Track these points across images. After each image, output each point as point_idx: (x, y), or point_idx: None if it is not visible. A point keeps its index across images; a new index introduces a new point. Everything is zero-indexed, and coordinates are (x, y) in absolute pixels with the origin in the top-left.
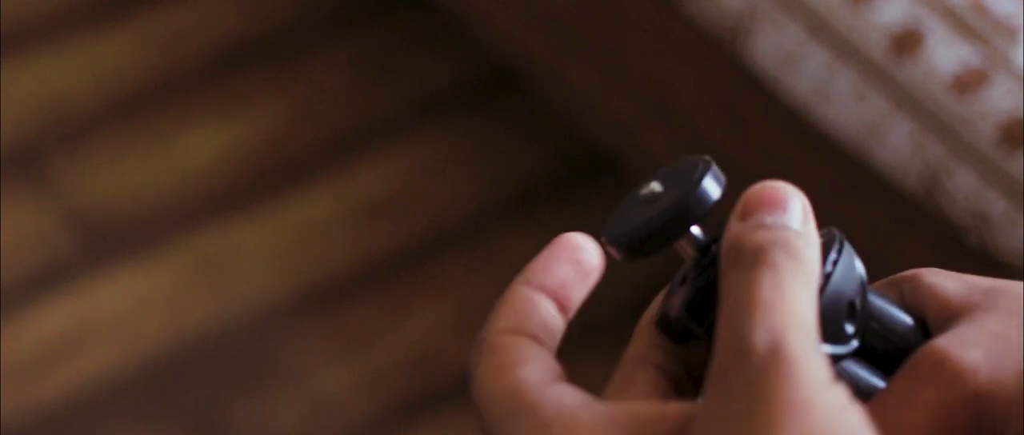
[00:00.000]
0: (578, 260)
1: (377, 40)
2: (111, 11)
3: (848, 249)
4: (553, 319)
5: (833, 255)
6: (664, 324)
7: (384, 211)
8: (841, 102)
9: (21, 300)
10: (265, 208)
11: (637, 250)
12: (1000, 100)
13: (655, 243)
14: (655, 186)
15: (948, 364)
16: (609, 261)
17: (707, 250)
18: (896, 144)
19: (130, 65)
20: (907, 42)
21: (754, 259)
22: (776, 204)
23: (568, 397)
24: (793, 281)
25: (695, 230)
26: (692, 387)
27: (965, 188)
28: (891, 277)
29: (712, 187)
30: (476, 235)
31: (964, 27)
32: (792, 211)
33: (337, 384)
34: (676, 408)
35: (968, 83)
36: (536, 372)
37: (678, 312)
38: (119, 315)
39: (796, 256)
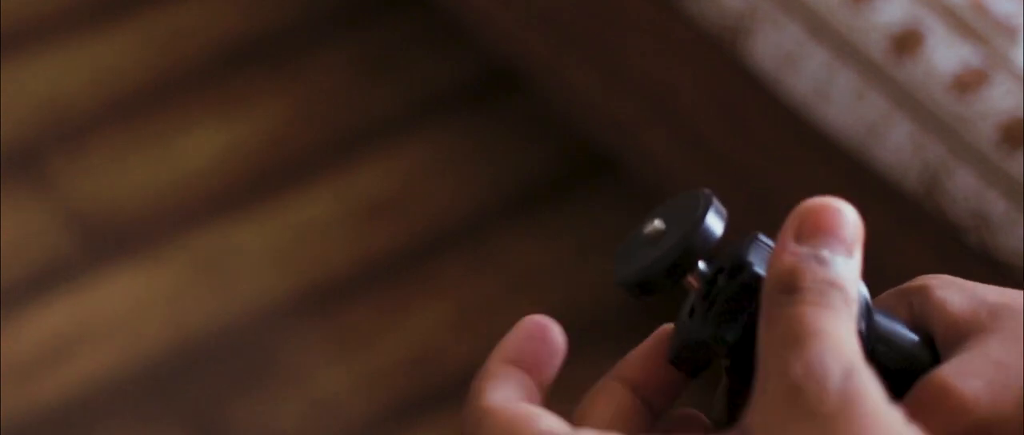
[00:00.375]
0: (546, 339)
1: (377, 40)
2: (111, 11)
3: None
4: (534, 393)
5: None
6: (677, 358)
7: (384, 211)
8: (841, 102)
9: (21, 300)
10: (265, 208)
11: (645, 290)
12: (1000, 100)
13: (662, 283)
14: (658, 224)
15: (951, 395)
16: (609, 259)
17: (713, 281)
18: (896, 144)
19: (130, 65)
20: (907, 42)
21: (815, 298)
22: (833, 232)
23: None
24: (849, 321)
25: (700, 264)
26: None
27: (965, 188)
28: (902, 287)
29: (715, 224)
30: (476, 235)
31: (964, 27)
32: (847, 240)
33: (337, 384)
34: None
35: (968, 83)
36: (556, 423)
37: (707, 334)
38: (119, 315)
39: (849, 301)
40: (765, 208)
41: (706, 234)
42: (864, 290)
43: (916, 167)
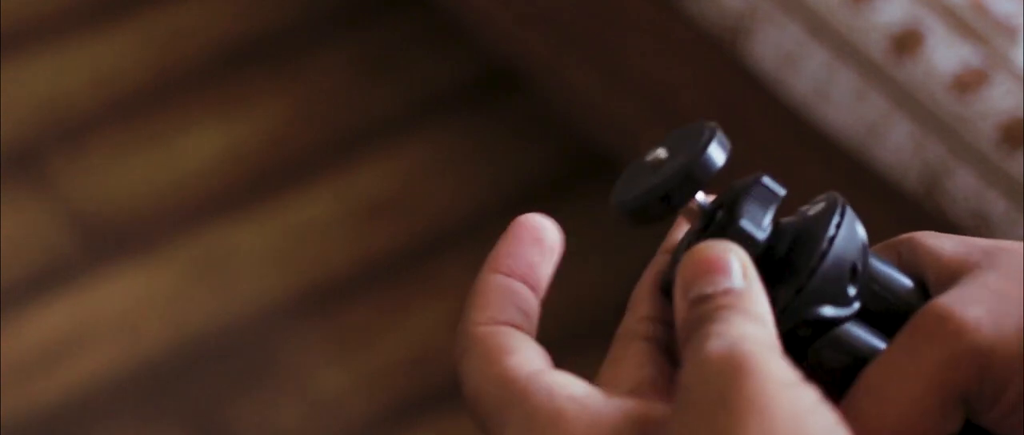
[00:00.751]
0: (540, 239)
1: (377, 40)
2: (111, 11)
3: (850, 213)
4: (529, 302)
5: (835, 219)
6: (668, 291)
7: (384, 211)
8: (841, 102)
9: (21, 300)
10: (265, 208)
11: (642, 217)
12: (1000, 100)
13: (659, 210)
14: (661, 152)
15: (951, 321)
16: (609, 259)
17: (712, 216)
18: (896, 144)
19: (130, 65)
20: (907, 42)
21: (703, 322)
22: (712, 270)
23: (558, 388)
24: (742, 318)
25: (700, 196)
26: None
27: (965, 188)
28: (889, 241)
29: (717, 154)
30: (476, 235)
31: (964, 27)
32: (731, 272)
33: (337, 384)
34: (659, 409)
35: (968, 83)
36: (525, 361)
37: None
38: (119, 315)
39: (740, 307)
40: None
41: (706, 164)
42: (862, 233)
43: (916, 167)
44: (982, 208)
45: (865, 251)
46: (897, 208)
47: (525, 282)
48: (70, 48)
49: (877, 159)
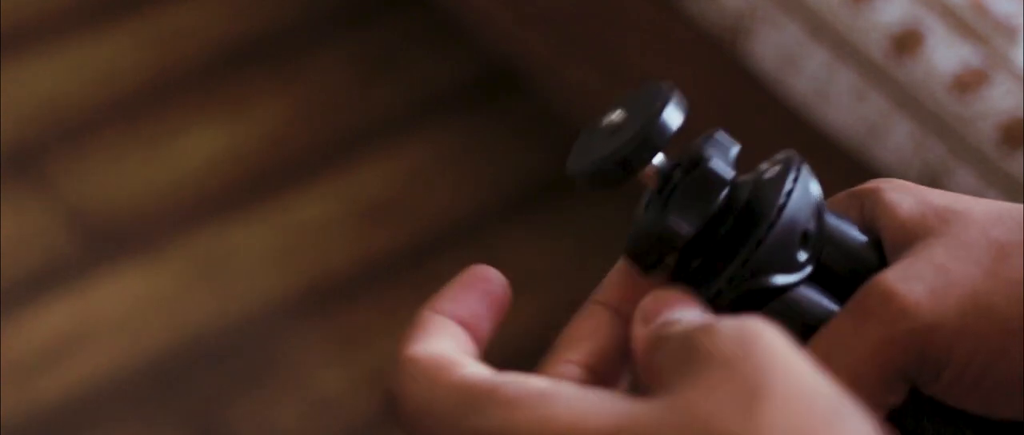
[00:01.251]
0: (488, 292)
1: (377, 40)
2: (111, 11)
3: (805, 175)
4: (469, 346)
5: (787, 186)
6: (631, 251)
7: (384, 211)
8: (841, 102)
9: (21, 300)
10: (265, 208)
11: (600, 182)
12: (1000, 100)
13: (617, 175)
14: (617, 115)
15: (893, 300)
16: (609, 260)
17: (669, 177)
18: (896, 144)
19: (130, 65)
20: (907, 42)
21: (675, 334)
22: (675, 304)
23: (525, 380)
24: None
25: (657, 158)
26: None
27: (965, 188)
28: (855, 189)
29: (673, 117)
30: (476, 235)
31: (964, 27)
32: (690, 305)
33: (337, 384)
34: (641, 407)
35: (968, 83)
36: (479, 369)
37: (658, 227)
38: (119, 315)
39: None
40: None
41: (663, 127)
42: (817, 190)
43: (916, 167)
44: None
45: (819, 212)
46: None
47: (466, 328)
48: (70, 48)
49: (877, 159)
